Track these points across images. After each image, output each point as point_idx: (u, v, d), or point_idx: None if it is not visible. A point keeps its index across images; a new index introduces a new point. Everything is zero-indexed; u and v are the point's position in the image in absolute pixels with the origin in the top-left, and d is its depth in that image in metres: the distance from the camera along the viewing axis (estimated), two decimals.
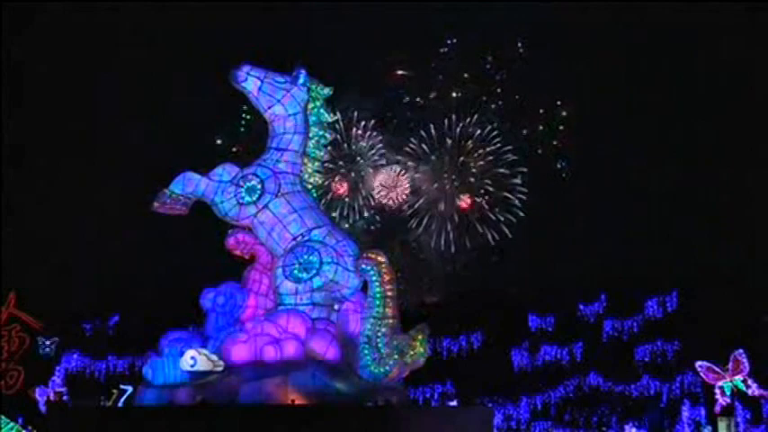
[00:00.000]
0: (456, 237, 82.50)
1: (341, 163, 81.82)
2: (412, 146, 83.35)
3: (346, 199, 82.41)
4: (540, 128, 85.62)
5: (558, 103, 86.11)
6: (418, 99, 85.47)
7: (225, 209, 37.66)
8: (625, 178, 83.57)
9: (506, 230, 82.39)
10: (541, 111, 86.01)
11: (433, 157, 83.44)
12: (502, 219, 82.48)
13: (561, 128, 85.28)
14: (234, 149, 79.90)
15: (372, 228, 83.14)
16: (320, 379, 33.91)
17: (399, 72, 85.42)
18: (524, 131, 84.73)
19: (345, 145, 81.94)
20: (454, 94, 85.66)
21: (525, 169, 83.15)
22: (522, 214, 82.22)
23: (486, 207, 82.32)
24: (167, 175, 38.10)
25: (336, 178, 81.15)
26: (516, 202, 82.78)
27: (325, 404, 33.48)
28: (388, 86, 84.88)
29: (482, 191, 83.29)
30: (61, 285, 68.62)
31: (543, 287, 74.16)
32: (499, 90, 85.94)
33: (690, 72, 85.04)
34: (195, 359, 34.43)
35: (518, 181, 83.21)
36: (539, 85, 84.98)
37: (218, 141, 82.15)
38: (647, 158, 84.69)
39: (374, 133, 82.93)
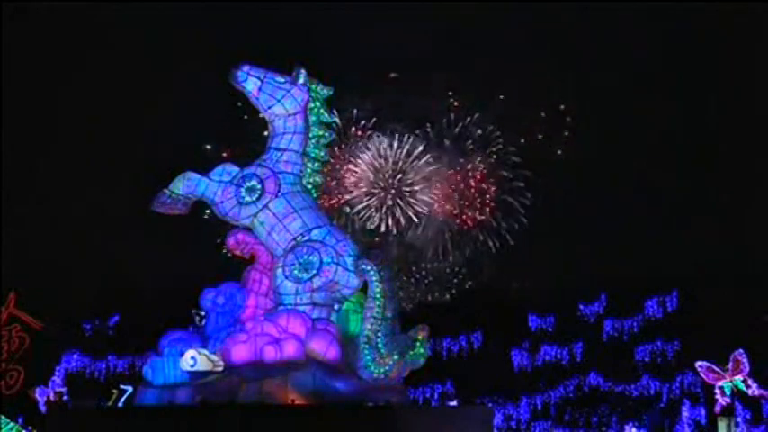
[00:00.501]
0: (455, 240, 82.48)
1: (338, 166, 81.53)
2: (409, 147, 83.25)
3: (347, 209, 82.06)
4: (540, 137, 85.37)
5: (562, 107, 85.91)
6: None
7: (225, 209, 37.65)
8: (625, 178, 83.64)
9: (507, 236, 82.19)
10: (543, 114, 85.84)
11: (430, 159, 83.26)
12: (504, 225, 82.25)
13: (566, 134, 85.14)
14: (224, 154, 79.71)
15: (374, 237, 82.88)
16: (320, 379, 33.91)
17: (392, 74, 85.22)
18: (522, 140, 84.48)
19: (343, 145, 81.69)
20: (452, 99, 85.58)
21: (528, 172, 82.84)
22: (525, 220, 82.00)
23: (488, 214, 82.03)
24: (167, 176, 38.09)
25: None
26: (517, 205, 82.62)
27: (325, 404, 33.48)
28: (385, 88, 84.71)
29: (481, 198, 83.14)
30: (61, 285, 68.60)
31: (543, 287, 74.16)
32: (501, 97, 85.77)
33: (690, 72, 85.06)
34: (195, 359, 34.44)
35: (521, 184, 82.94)
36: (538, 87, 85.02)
37: (208, 146, 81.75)
38: (648, 158, 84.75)
39: (376, 134, 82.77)
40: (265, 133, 39.88)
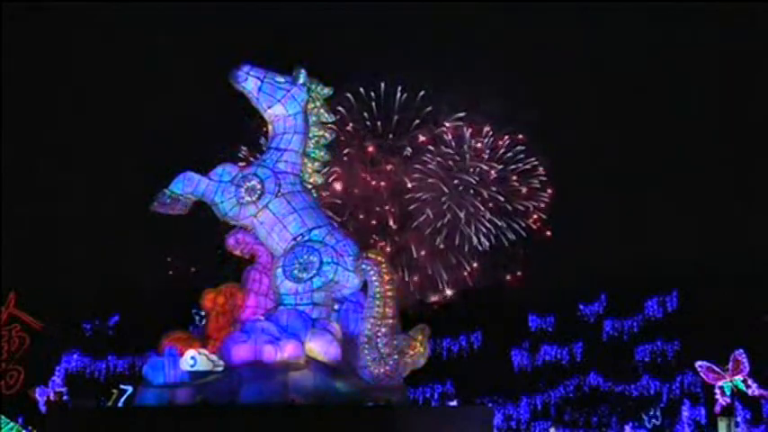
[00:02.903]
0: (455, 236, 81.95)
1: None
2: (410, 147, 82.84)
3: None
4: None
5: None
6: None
7: (225, 209, 37.63)
8: (625, 178, 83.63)
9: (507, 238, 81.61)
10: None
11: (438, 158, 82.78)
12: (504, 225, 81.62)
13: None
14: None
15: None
16: (320, 379, 33.90)
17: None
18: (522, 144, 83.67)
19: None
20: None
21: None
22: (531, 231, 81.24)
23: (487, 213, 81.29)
24: (167, 176, 38.09)
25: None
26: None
27: (325, 404, 33.46)
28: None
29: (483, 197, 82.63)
30: (61, 285, 68.60)
31: (543, 287, 74.12)
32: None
33: (690, 72, 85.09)
34: (195, 359, 34.42)
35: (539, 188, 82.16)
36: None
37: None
38: (648, 158, 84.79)
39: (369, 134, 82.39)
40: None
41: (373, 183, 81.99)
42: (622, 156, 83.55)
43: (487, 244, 79.93)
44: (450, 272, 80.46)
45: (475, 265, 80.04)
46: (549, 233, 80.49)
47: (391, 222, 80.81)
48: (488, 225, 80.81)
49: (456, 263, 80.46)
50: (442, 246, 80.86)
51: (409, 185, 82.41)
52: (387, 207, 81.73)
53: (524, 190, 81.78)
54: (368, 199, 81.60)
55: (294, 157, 37.92)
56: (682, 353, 64.00)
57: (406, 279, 78.34)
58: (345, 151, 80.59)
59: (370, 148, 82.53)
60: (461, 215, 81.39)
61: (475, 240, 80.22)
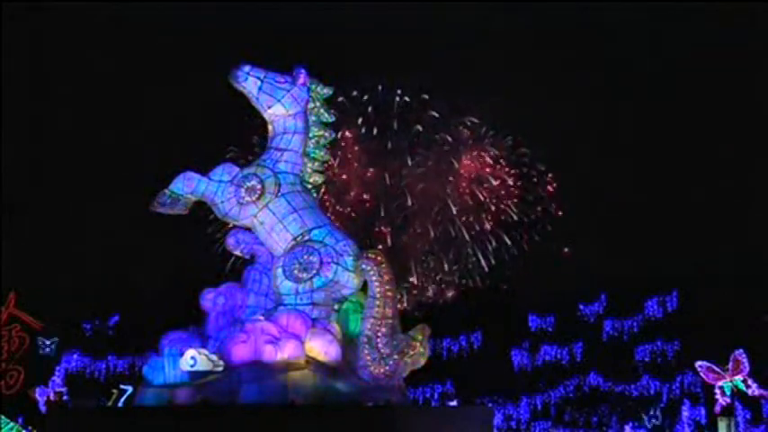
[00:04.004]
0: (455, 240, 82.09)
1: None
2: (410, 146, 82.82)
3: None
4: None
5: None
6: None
7: (225, 209, 37.58)
8: (625, 179, 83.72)
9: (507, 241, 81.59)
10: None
11: (430, 162, 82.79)
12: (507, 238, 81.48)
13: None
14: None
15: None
16: (320, 379, 33.88)
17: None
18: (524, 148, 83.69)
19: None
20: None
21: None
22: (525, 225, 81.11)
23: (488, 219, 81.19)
24: (167, 176, 38.09)
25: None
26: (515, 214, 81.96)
27: (325, 404, 33.44)
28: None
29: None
30: (61, 285, 68.63)
31: (543, 287, 74.15)
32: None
33: (692, 73, 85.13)
34: (195, 359, 34.37)
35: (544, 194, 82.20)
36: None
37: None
38: (648, 158, 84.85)
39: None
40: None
41: (366, 196, 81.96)
42: (622, 156, 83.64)
43: (488, 257, 79.85)
44: (447, 283, 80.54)
45: (471, 281, 79.98)
46: (566, 250, 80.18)
47: (388, 240, 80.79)
48: (490, 237, 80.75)
49: (455, 279, 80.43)
50: (445, 267, 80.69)
51: (407, 193, 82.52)
52: (382, 228, 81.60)
53: (530, 198, 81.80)
54: (364, 204, 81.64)
55: (294, 157, 37.88)
56: (682, 353, 63.98)
57: (404, 300, 78.26)
58: (336, 161, 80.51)
59: (367, 154, 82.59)
60: (460, 223, 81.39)
61: (473, 253, 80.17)
